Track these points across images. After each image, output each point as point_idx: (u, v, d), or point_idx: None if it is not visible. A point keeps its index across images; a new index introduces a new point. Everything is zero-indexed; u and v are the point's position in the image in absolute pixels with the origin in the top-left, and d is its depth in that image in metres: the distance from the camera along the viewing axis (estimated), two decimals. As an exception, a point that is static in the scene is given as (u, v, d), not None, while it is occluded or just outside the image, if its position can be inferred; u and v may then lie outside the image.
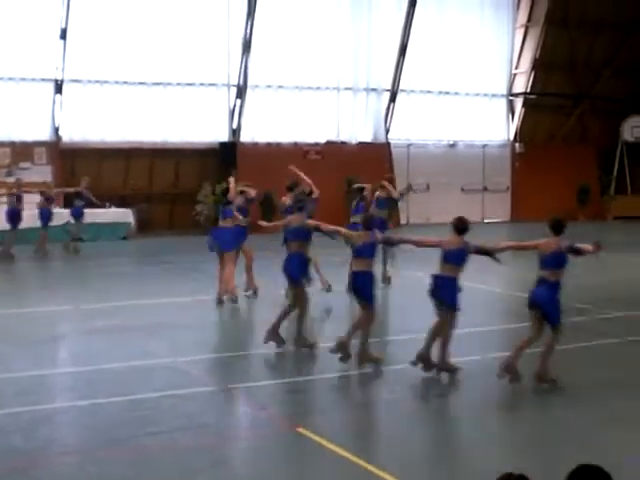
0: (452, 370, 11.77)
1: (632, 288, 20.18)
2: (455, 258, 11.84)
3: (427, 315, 12.37)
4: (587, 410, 10.65)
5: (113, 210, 30.13)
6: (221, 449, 9.33)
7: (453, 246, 11.94)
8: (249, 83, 33.02)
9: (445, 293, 11.79)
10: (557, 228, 11.75)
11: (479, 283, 20.38)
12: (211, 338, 14.86)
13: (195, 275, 22.10)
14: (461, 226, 12.14)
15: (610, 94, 38.86)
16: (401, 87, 35.51)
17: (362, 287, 12.30)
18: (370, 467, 8.45)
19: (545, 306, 11.26)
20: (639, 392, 11.41)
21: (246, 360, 13.61)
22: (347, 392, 11.44)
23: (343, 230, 13.62)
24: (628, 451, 8.94)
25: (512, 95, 38.30)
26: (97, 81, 31.32)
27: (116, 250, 27.41)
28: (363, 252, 12.30)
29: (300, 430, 9.56)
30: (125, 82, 31.67)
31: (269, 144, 33.25)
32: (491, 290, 20.03)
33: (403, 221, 34.70)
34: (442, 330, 11.82)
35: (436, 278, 11.85)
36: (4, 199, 26.12)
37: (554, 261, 11.40)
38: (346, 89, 34.62)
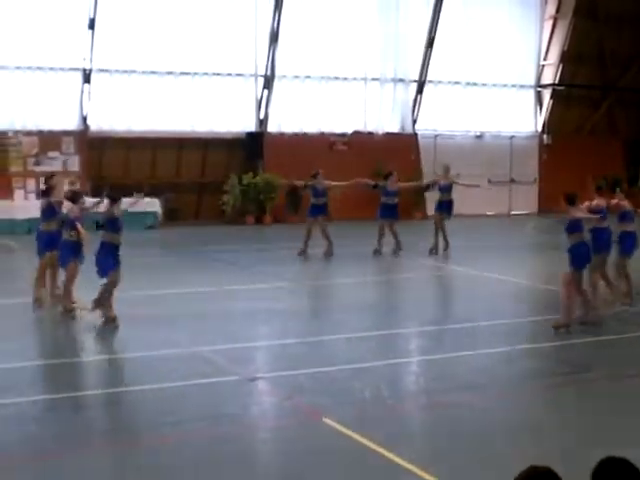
0: None
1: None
2: None
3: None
4: (618, 399, 10.61)
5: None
6: (245, 439, 9.35)
7: None
8: (276, 73, 33.00)
9: None
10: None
11: (506, 275, 20.34)
12: (236, 328, 14.89)
13: (220, 265, 22.15)
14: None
15: (638, 86, 38.56)
16: (428, 78, 35.38)
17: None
18: (396, 458, 8.45)
19: None
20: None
21: (271, 350, 13.65)
22: (375, 383, 11.42)
23: None
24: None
25: (540, 86, 38.09)
26: (125, 71, 31.37)
27: (144, 240, 27.48)
28: None
29: (326, 420, 9.57)
30: (153, 72, 31.70)
31: (296, 134, 33.22)
32: (518, 282, 19.95)
33: (430, 212, 34.55)
34: None
35: None
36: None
37: None
38: (373, 79, 34.52)
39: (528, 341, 14.39)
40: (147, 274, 20.41)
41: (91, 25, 30.39)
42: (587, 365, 12.22)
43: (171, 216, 31.16)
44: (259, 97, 33.14)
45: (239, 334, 14.34)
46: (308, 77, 33.46)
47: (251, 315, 15.95)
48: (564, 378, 11.78)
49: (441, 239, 24.00)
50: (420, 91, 35.39)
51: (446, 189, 24.70)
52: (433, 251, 23.74)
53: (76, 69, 30.87)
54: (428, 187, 26.93)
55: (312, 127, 33.56)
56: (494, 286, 19.34)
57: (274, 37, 32.60)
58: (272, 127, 33.28)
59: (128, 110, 31.52)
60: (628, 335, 14.23)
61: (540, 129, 38.09)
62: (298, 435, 9.39)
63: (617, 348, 13.49)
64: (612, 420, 9.88)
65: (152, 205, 30.24)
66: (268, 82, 33.02)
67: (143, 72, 31.61)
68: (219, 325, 14.89)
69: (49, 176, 17.76)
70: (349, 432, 9.19)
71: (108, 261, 14.34)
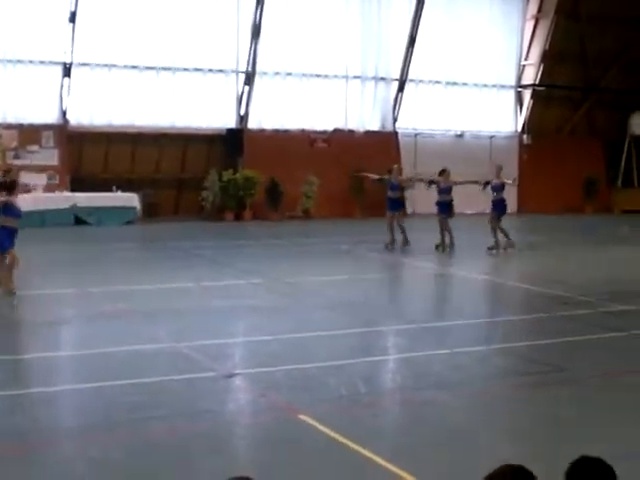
0: None
1: (631, 281, 20.15)
2: None
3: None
4: (590, 402, 10.66)
5: (119, 194, 30.15)
6: (221, 435, 9.34)
7: None
8: (258, 70, 32.98)
9: None
10: None
11: (483, 274, 20.41)
12: (214, 324, 14.87)
13: (199, 261, 22.12)
14: None
15: (618, 87, 38.76)
16: (410, 77, 35.45)
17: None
18: (371, 454, 8.46)
19: None
20: (635, 385, 11.41)
21: (248, 346, 13.64)
22: (351, 380, 11.43)
23: None
24: (630, 444, 8.94)
25: (521, 86, 38.21)
26: (105, 65, 31.30)
27: (123, 235, 27.44)
28: None
29: (302, 417, 9.57)
30: (133, 66, 31.65)
31: (276, 131, 33.22)
32: (495, 281, 20.02)
33: (409, 210, 34.64)
34: None
35: None
36: None
37: None
38: (355, 77, 34.57)
39: (504, 340, 14.44)
40: (126, 269, 20.37)
41: (72, 19, 30.29)
42: (560, 365, 12.26)
43: (150, 212, 31.10)
44: (240, 93, 33.10)
45: (217, 330, 14.31)
46: (289, 74, 33.45)
47: (229, 311, 15.93)
48: (537, 378, 11.82)
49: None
50: (401, 90, 35.45)
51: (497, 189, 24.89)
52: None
53: (56, 63, 30.78)
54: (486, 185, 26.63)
55: (293, 124, 33.55)
56: (468, 284, 19.41)
57: (256, 33, 32.58)
58: (253, 123, 33.26)
59: (108, 104, 31.43)
60: (599, 336, 14.29)
61: (520, 129, 38.22)
62: (274, 431, 9.38)
63: (589, 349, 13.55)
64: (583, 419, 9.93)
65: (131, 200, 30.17)
66: (249, 78, 32.99)
67: (124, 66, 31.54)
68: (197, 321, 14.87)
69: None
70: (325, 428, 9.19)
71: (7, 241, 15.68)
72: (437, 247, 23.97)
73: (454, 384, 11.38)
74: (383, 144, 34.53)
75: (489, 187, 25.01)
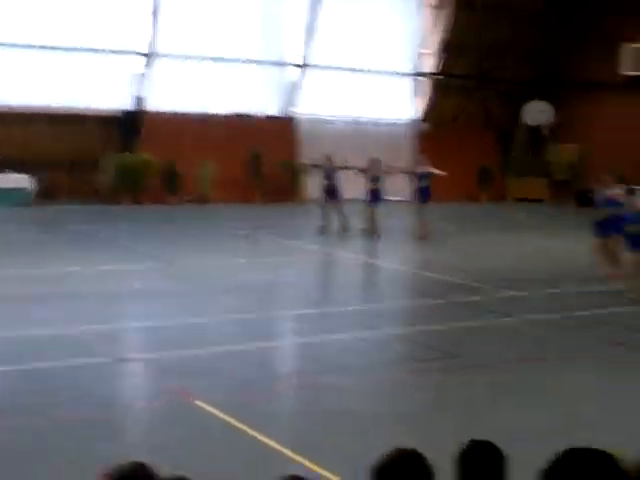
0: None
1: (529, 268, 20.57)
2: None
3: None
4: (483, 385, 10.85)
5: (9, 175, 29.50)
6: (115, 420, 9.25)
7: None
8: (157, 51, 32.58)
9: None
10: None
11: (382, 260, 20.59)
12: (109, 308, 14.69)
13: (95, 245, 21.82)
14: None
15: (513, 78, 39.43)
16: (310, 62, 35.45)
17: None
18: (267, 440, 8.48)
19: None
20: (527, 369, 11.66)
21: (143, 331, 13.51)
22: (248, 365, 11.43)
23: None
24: (520, 426, 9.13)
25: (418, 75, 38.57)
26: (-1, 44, 30.57)
27: (16, 217, 26.88)
28: None
29: (197, 402, 9.54)
30: (28, 46, 30.94)
31: (175, 114, 32.89)
32: (393, 267, 20.21)
33: (307, 196, 34.75)
34: None
35: None
36: None
37: None
38: (255, 62, 34.42)
39: (401, 326, 14.62)
40: (18, 252, 19.97)
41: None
42: (455, 351, 12.47)
43: (45, 194, 30.51)
44: (139, 75, 32.66)
45: (112, 315, 14.15)
46: (189, 57, 33.11)
47: (126, 296, 15.77)
48: (432, 364, 11.99)
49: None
50: (302, 74, 35.43)
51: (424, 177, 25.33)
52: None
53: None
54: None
55: (192, 107, 33.26)
56: (370, 270, 19.58)
57: (156, 14, 32.16)
58: (151, 106, 32.86)
59: (1, 84, 30.69)
60: (493, 322, 14.57)
61: (417, 117, 38.58)
62: (169, 417, 9.33)
63: (483, 335, 13.79)
64: (475, 404, 10.11)
65: (22, 182, 29.54)
66: (149, 60, 32.57)
67: (17, 46, 30.80)
68: (91, 305, 14.67)
69: None
70: (221, 414, 9.17)
71: None
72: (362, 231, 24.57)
73: (351, 369, 11.46)
74: (282, 129, 34.52)
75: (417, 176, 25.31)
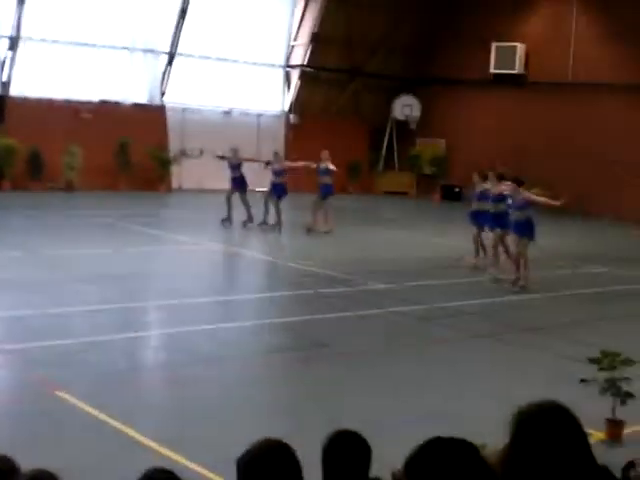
0: None
1: (393, 261, 20.88)
2: None
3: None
4: (350, 377, 10.97)
5: None
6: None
7: None
8: (22, 35, 31.72)
9: None
10: None
11: (253, 251, 20.59)
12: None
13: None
14: None
15: (383, 72, 39.85)
16: (179, 50, 35.09)
17: None
18: (133, 432, 8.39)
19: None
20: (396, 359, 11.85)
21: (6, 321, 13.19)
22: (113, 356, 11.28)
23: None
24: (383, 414, 9.27)
25: (289, 66, 38.64)
26: None
27: None
28: None
29: (61, 394, 9.37)
30: None
31: (40, 100, 32.12)
32: (265, 258, 20.23)
33: (175, 185, 34.49)
34: None
35: None
36: None
37: None
38: (123, 48, 33.89)
39: (270, 316, 14.65)
40: None
41: None
42: (324, 341, 12.58)
43: None
44: (2, 59, 31.77)
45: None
46: (56, 41, 32.37)
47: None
48: (301, 353, 12.08)
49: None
50: (170, 63, 35.07)
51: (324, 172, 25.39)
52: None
53: None
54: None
55: (58, 93, 32.53)
56: (238, 261, 19.56)
57: (21, -3, 31.28)
58: (15, 91, 31.98)
59: None
60: (361, 313, 14.76)
61: (287, 109, 38.67)
62: (31, 408, 9.14)
63: (351, 325, 13.96)
64: (343, 394, 10.22)
65: None
66: (13, 43, 31.70)
67: None
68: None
69: None
70: (85, 406, 9.03)
71: None
72: (262, 224, 24.52)
73: (219, 360, 11.45)
74: (150, 118, 34.10)
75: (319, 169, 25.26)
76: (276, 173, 24.98)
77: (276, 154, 25.72)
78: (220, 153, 25.82)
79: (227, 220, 24.45)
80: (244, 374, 11.04)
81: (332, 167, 25.12)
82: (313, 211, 24.83)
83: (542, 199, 18.51)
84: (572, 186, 31.91)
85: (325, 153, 25.50)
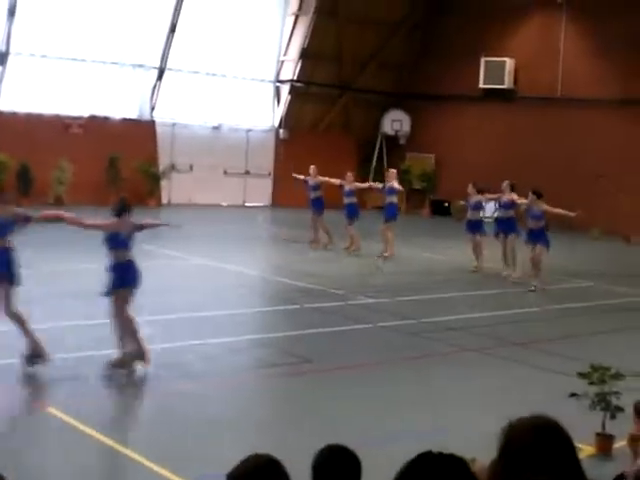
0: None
1: (383, 276, 20.88)
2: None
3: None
4: (337, 392, 10.95)
5: None
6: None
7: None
8: (12, 50, 31.71)
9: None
10: None
11: (237, 266, 20.55)
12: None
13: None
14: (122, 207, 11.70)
15: (373, 87, 39.92)
16: (169, 65, 35.12)
17: None
18: (119, 446, 8.36)
19: None
20: (384, 374, 11.84)
21: (3, 336, 13.11)
22: (100, 371, 11.23)
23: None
24: (371, 429, 9.26)
25: (279, 82, 38.68)
26: None
27: None
28: None
29: (50, 410, 9.33)
30: None
31: (29, 115, 32.09)
32: (248, 273, 20.20)
33: (165, 200, 34.46)
34: None
35: None
36: None
37: None
38: (112, 63, 33.90)
39: (257, 331, 14.65)
40: None
41: None
42: (309, 357, 12.56)
43: None
44: (-9, 74, 31.74)
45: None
46: (45, 56, 32.37)
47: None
48: (287, 369, 12.06)
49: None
50: (160, 78, 35.08)
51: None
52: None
53: None
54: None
55: (47, 108, 32.51)
56: (226, 276, 19.52)
57: (11, 12, 31.29)
58: (5, 106, 31.96)
59: None
60: (348, 328, 14.74)
61: (277, 124, 38.69)
62: (21, 425, 9.10)
63: (338, 341, 13.95)
64: (330, 409, 10.20)
65: None
66: (2, 59, 31.69)
67: None
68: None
69: None
70: (73, 421, 8.99)
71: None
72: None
73: (207, 375, 11.42)
74: (140, 133, 34.09)
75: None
76: (347, 194, 24.97)
77: (349, 175, 25.51)
78: (300, 176, 25.87)
79: (314, 242, 24.43)
80: (231, 390, 11.02)
81: (398, 187, 24.85)
82: (383, 237, 24.23)
83: (559, 210, 20.26)
84: (560, 200, 32.01)
85: (392, 173, 25.23)
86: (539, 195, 19.81)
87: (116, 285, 11.45)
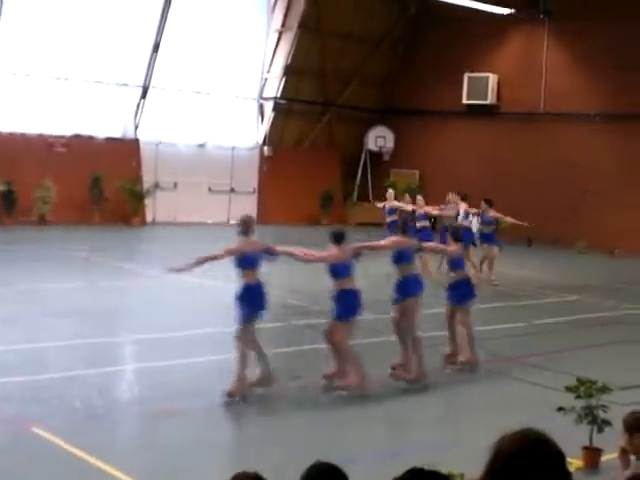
0: None
1: (366, 292, 20.81)
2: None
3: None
4: (322, 408, 10.92)
5: None
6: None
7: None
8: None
9: None
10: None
11: (225, 282, 20.49)
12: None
13: None
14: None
15: (357, 103, 40.01)
16: (153, 84, 35.10)
17: None
18: (108, 468, 8.31)
19: None
20: (373, 391, 11.81)
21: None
22: (87, 391, 11.18)
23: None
24: (358, 446, 9.23)
25: (263, 99, 38.71)
26: None
27: None
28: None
29: (36, 430, 9.27)
30: None
31: (12, 134, 32.01)
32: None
33: (149, 219, 34.39)
34: None
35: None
36: None
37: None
38: (96, 82, 33.86)
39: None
40: None
41: None
42: (297, 373, 12.51)
43: None
44: (-27, 93, 31.66)
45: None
46: (28, 75, 32.31)
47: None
48: (274, 386, 12.00)
49: None
50: (143, 96, 35.06)
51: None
52: None
53: None
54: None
55: (30, 127, 32.43)
56: (211, 294, 19.45)
57: (-6, 30, 31.20)
58: (-13, 125, 31.87)
59: None
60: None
61: (261, 141, 38.71)
62: (6, 445, 9.03)
63: (323, 357, 13.91)
64: (319, 425, 10.17)
65: None
66: (-18, 77, 31.59)
67: None
68: None
69: None
70: (60, 441, 8.94)
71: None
72: None
73: (194, 394, 11.37)
74: (124, 151, 34.02)
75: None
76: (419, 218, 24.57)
77: (420, 199, 25.13)
78: (380, 204, 26.09)
79: None
80: (217, 409, 10.96)
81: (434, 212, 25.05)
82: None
83: (510, 219, 23.68)
84: (543, 215, 32.20)
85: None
86: (490, 203, 22.94)
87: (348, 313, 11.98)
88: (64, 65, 32.86)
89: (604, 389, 9.31)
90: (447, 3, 33.70)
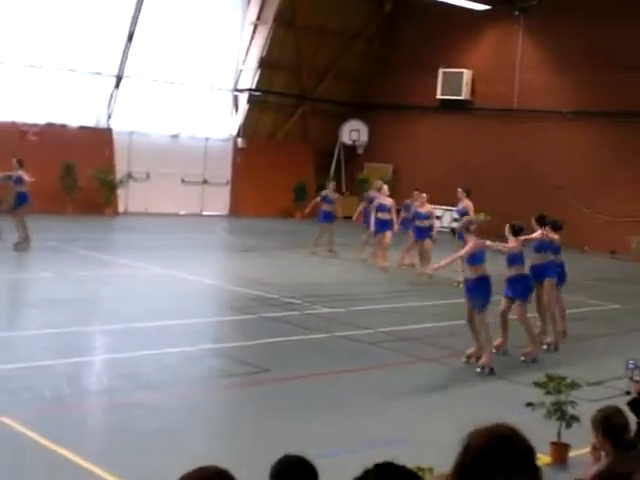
0: None
1: (338, 285, 20.88)
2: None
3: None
4: (293, 401, 10.93)
5: None
6: None
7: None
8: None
9: None
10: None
11: (194, 275, 20.47)
12: None
13: None
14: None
15: (331, 97, 40.01)
16: (126, 73, 34.92)
17: None
18: (76, 458, 8.27)
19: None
20: (340, 384, 11.83)
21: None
22: (56, 381, 11.12)
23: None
24: (326, 440, 9.24)
25: (237, 90, 38.62)
26: None
27: None
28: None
29: (4, 420, 9.22)
30: None
31: (-16, 121, 31.76)
32: (206, 282, 20.12)
33: (121, 209, 34.24)
34: None
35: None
36: None
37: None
38: (69, 70, 33.65)
39: (213, 341, 14.58)
40: None
41: None
42: (267, 366, 12.52)
43: None
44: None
45: None
46: (1, 63, 32.05)
47: None
48: (245, 378, 12.03)
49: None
50: (117, 86, 34.88)
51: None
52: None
53: None
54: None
55: (3, 115, 32.20)
56: (182, 285, 19.41)
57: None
58: (-41, 113, 31.62)
59: None
60: (305, 337, 14.72)
61: (235, 133, 38.62)
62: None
63: (295, 350, 13.93)
64: (287, 419, 10.17)
65: None
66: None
67: None
68: None
69: None
70: (28, 431, 8.89)
71: None
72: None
73: (163, 385, 11.35)
74: (97, 140, 33.84)
75: None
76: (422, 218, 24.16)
77: (423, 196, 24.37)
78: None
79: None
80: (186, 400, 10.95)
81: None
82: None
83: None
84: (517, 211, 32.24)
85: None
86: (468, 193, 22.88)
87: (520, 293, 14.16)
88: (38, 53, 32.61)
89: (573, 385, 9.36)
90: (423, -2, 33.74)
